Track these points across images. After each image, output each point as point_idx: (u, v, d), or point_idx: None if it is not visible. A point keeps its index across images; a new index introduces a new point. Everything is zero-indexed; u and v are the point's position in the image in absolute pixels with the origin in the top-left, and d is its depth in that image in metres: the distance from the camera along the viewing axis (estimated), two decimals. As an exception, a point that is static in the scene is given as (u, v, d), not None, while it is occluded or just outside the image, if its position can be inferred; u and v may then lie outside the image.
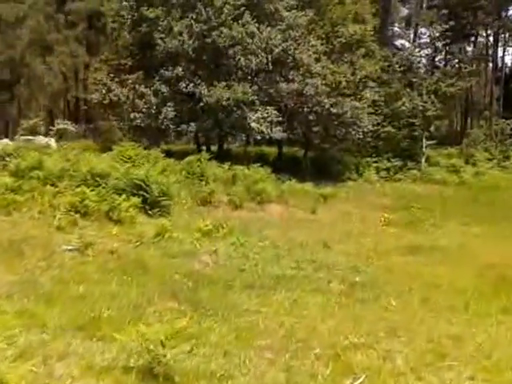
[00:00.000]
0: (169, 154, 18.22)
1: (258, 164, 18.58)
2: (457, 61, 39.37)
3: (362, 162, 25.78)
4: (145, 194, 11.78)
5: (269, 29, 20.96)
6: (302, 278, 8.56)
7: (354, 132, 23.37)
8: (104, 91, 21.10)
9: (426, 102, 27.91)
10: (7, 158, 12.80)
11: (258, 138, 21.85)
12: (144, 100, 20.31)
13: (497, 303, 7.55)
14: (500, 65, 43.04)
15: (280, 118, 20.78)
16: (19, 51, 29.92)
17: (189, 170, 15.86)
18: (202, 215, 12.55)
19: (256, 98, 20.18)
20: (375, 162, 26.35)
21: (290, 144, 26.17)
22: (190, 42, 20.23)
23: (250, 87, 20.13)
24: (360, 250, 11.06)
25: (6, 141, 16.19)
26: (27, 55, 30.48)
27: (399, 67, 28.78)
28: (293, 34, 21.33)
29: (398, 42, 40.14)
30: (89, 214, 10.47)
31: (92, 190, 11.06)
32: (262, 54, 20.66)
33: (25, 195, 10.62)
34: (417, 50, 32.55)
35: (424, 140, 28.14)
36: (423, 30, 38.13)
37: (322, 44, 22.68)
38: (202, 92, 19.61)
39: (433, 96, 28.41)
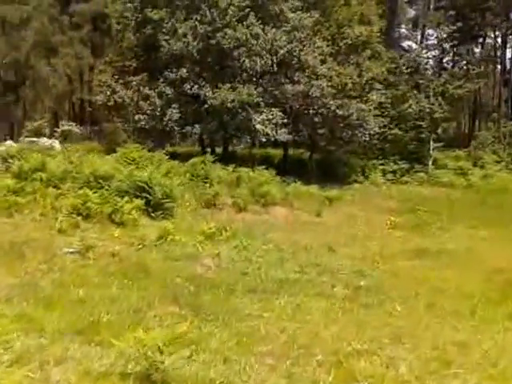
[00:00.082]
0: (173, 155, 18.17)
1: (263, 166, 18.48)
2: (464, 62, 39.12)
3: (368, 164, 25.61)
4: (148, 196, 11.71)
5: (274, 30, 20.87)
6: (306, 282, 8.43)
7: (360, 134, 23.22)
8: (108, 93, 21.09)
9: (433, 104, 27.72)
10: (10, 160, 12.75)
11: (263, 140, 21.74)
12: (148, 102, 20.27)
13: (504, 309, 7.39)
14: (508, 66, 42.76)
15: (285, 120, 20.67)
16: (24, 53, 30.00)
17: (193, 172, 15.79)
18: (206, 218, 12.45)
19: (261, 99, 20.09)
20: (382, 164, 26.18)
21: (295, 146, 26.05)
22: (195, 43, 20.16)
23: (255, 89, 20.04)
24: (365, 253, 10.90)
25: (9, 142, 16.18)
26: (32, 57, 30.54)
27: (406, 69, 28.61)
28: (298, 35, 21.22)
29: (405, 44, 40.07)
30: (91, 217, 10.42)
31: (95, 192, 11.02)
32: (267, 56, 20.56)
33: (27, 197, 10.58)
34: (424, 51, 32.38)
35: (431, 142, 27.93)
36: (430, 31, 37.99)
37: (327, 45, 22.55)
38: (207, 94, 19.53)
39: (440, 98, 28.21)
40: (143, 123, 20.34)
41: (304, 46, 21.56)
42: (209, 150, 22.11)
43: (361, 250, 11.17)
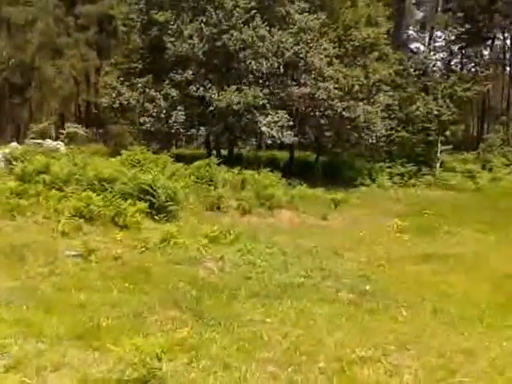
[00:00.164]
0: (179, 158, 18.08)
1: (269, 169, 18.36)
2: (473, 64, 38.88)
3: (375, 167, 25.42)
4: (151, 198, 11.64)
5: (280, 32, 20.77)
6: (310, 287, 8.32)
7: (366, 136, 23.06)
8: (114, 95, 21.06)
9: (441, 107, 27.51)
10: (14, 162, 12.71)
11: (269, 142, 21.62)
12: (154, 104, 20.20)
13: (512, 315, 7.25)
14: (517, 69, 42.39)
15: (291, 122, 20.54)
16: (29, 54, 30.02)
17: (198, 175, 15.71)
18: (210, 221, 12.37)
19: (267, 101, 19.99)
20: (389, 167, 25.98)
21: (301, 148, 25.93)
22: (200, 45, 20.08)
23: (261, 91, 19.94)
24: (371, 257, 10.77)
25: (14, 144, 16.15)
26: (37, 59, 30.57)
27: (414, 71, 28.42)
28: (304, 37, 21.10)
29: (413, 46, 39.71)
30: (94, 219, 10.36)
31: (98, 195, 10.95)
32: (273, 58, 20.46)
33: (30, 199, 10.53)
34: (432, 53, 32.19)
35: (439, 145, 27.72)
36: (438, 33, 37.66)
37: (334, 47, 22.42)
38: (213, 96, 19.45)
39: (448, 100, 27.99)
40: (148, 125, 20.27)
41: (310, 47, 21.44)
42: (214, 152, 22.02)
43: (367, 254, 11.04)
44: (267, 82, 21.22)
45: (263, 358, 5.44)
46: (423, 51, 33.94)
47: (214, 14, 20.18)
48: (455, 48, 36.99)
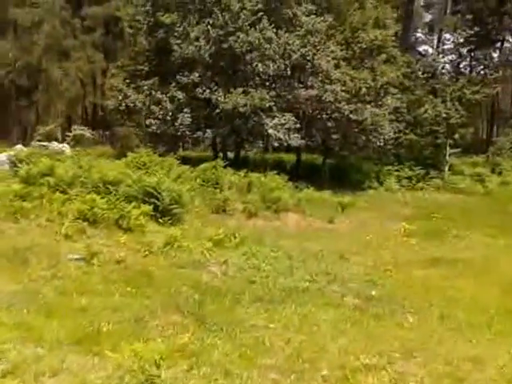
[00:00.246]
0: (185, 160, 18.03)
1: (275, 171, 18.24)
2: (482, 67, 38.60)
3: (382, 170, 25.24)
4: (156, 201, 11.55)
5: (287, 34, 20.67)
6: (315, 292, 8.19)
7: (374, 139, 22.90)
8: (120, 97, 21.05)
9: (449, 109, 27.28)
10: (19, 165, 12.68)
11: (276, 144, 21.51)
12: (160, 106, 20.16)
13: (522, 322, 7.09)
14: (527, 71, 42.07)
15: (298, 125, 20.43)
16: (36, 57, 30.06)
17: (203, 178, 15.62)
18: (215, 224, 12.26)
19: (273, 104, 19.89)
20: (397, 170, 25.77)
21: (308, 151, 25.78)
22: (207, 47, 20.01)
23: (268, 93, 19.84)
24: (378, 261, 10.63)
25: (19, 147, 16.17)
26: (44, 61, 30.60)
27: (422, 73, 28.23)
28: (312, 39, 20.98)
29: (422, 48, 39.63)
30: (98, 222, 10.29)
31: (103, 198, 10.88)
32: (280, 60, 20.36)
33: (33, 202, 10.47)
34: (440, 56, 31.98)
35: (448, 148, 27.50)
36: (447, 35, 37.51)
37: (341, 50, 22.29)
38: (219, 98, 19.37)
39: (457, 103, 27.77)
40: (154, 128, 20.23)
41: (317, 50, 21.31)
42: (221, 154, 21.93)
43: (373, 258, 10.89)
44: (274, 85, 21.12)
45: (265, 364, 5.33)
46: (432, 54, 33.77)
47: (220, 16, 20.12)
48: (464, 50, 36.69)
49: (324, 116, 21.82)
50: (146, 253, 9.24)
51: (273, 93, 20.33)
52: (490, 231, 14.59)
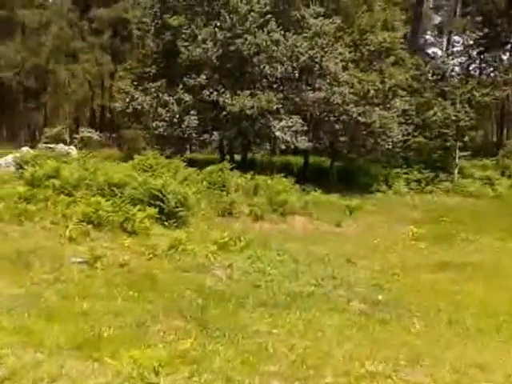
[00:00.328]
0: (192, 163, 17.97)
1: (283, 174, 18.12)
2: (492, 69, 38.29)
3: (391, 173, 25.04)
4: (161, 204, 11.47)
5: (295, 36, 20.58)
6: (320, 296, 8.07)
7: (382, 142, 22.73)
8: (127, 100, 21.02)
9: (459, 112, 27.05)
10: (25, 167, 12.65)
11: (283, 147, 21.39)
12: (167, 108, 20.11)
13: (532, 328, 6.93)
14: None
15: (305, 127, 20.31)
16: (44, 58, 30.07)
17: (210, 180, 15.54)
18: (221, 227, 12.18)
19: (281, 106, 19.79)
20: (405, 173, 25.56)
21: (316, 154, 25.63)
22: (214, 49, 19.96)
23: (275, 95, 19.75)
24: (385, 265, 10.51)
25: (26, 149, 16.17)
26: (52, 62, 30.62)
27: (432, 76, 28.02)
28: (320, 41, 20.88)
29: (431, 50, 39.36)
30: (102, 225, 10.22)
31: (108, 200, 10.82)
32: (288, 62, 20.27)
33: (38, 204, 10.43)
34: (450, 58, 31.72)
35: (457, 151, 27.25)
36: (456, 37, 37.21)
37: (349, 52, 22.17)
38: (226, 100, 19.29)
39: (466, 105, 27.53)
40: (161, 130, 20.20)
41: (326, 52, 21.20)
42: (228, 157, 21.87)
43: (381, 262, 10.78)
44: (281, 87, 21.03)
45: (268, 371, 5.21)
46: (441, 56, 33.52)
47: (228, 18, 20.06)
48: (474, 53, 36.43)
49: (332, 118, 21.70)
50: (150, 256, 9.15)
51: (280, 95, 20.23)
52: (500, 234, 14.42)
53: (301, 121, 20.18)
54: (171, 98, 20.10)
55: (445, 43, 38.50)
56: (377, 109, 22.00)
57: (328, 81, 21.36)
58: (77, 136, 21.48)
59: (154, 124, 20.40)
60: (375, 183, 23.88)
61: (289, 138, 19.75)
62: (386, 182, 24.49)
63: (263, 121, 19.53)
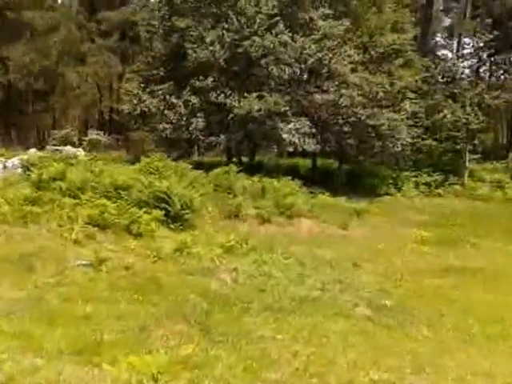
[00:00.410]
0: (199, 165, 17.90)
1: (290, 177, 17.99)
2: (502, 72, 38.00)
3: (400, 175, 24.84)
4: (167, 206, 11.42)
5: (303, 38, 20.45)
6: (326, 301, 8.01)
7: (391, 144, 22.54)
8: (135, 102, 21.00)
9: (469, 115, 26.81)
10: (32, 169, 12.65)
11: (290, 149, 21.26)
12: (174, 111, 20.06)
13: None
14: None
15: (313, 130, 20.17)
16: (52, 60, 30.10)
17: (216, 183, 15.43)
18: (227, 229, 12.10)
19: (288, 108, 19.67)
20: (415, 176, 25.34)
21: (324, 156, 25.48)
22: (222, 52, 19.86)
23: (283, 98, 19.64)
24: (391, 270, 10.40)
25: (33, 151, 16.19)
26: (60, 65, 30.67)
27: (442, 78, 27.81)
28: (328, 43, 20.74)
29: (441, 53, 39.07)
30: (108, 228, 10.19)
31: (113, 203, 10.79)
32: (296, 64, 20.16)
33: (44, 207, 10.40)
34: (460, 60, 31.49)
35: (467, 154, 27.02)
36: (467, 40, 37.01)
37: (358, 54, 22.00)
38: (233, 103, 19.21)
39: (476, 108, 27.29)
40: (168, 132, 20.15)
41: (334, 54, 21.06)
42: (235, 159, 21.80)
43: (386, 266, 10.68)
44: (289, 89, 20.90)
45: (270, 379, 5.15)
46: (451, 58, 33.27)
47: (235, 20, 19.97)
48: (484, 55, 36.15)
49: (340, 121, 21.53)
50: (155, 259, 9.12)
51: (288, 97, 20.10)
52: (509, 240, 14.21)
53: (308, 123, 20.02)
54: (178, 100, 20.05)
55: (455, 45, 38.26)
56: (385, 111, 21.81)
57: (336, 83, 21.20)
58: (85, 138, 21.49)
59: (160, 126, 20.34)
60: (384, 186, 23.68)
61: (296, 141, 19.61)
62: (395, 184, 24.27)
63: (271, 123, 19.40)
